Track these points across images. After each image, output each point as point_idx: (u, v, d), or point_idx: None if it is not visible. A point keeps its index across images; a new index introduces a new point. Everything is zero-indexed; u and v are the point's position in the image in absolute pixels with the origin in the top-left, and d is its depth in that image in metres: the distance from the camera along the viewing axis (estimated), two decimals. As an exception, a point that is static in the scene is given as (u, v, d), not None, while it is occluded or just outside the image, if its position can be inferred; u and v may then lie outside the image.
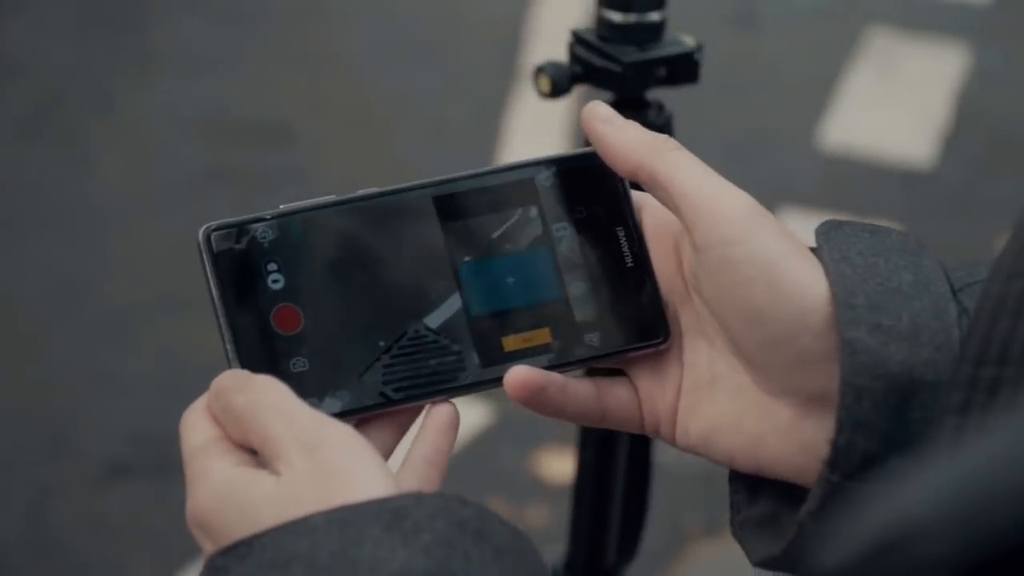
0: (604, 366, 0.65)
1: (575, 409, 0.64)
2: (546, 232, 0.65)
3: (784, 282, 0.59)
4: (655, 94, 1.09)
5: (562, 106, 2.96)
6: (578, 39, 1.09)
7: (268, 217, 0.63)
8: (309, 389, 0.61)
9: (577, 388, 0.64)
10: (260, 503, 0.55)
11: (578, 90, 1.10)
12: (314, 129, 3.11)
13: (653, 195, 0.64)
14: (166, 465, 2.21)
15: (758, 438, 0.61)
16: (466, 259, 0.64)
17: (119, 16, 3.54)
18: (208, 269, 0.61)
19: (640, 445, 1.21)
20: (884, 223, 0.63)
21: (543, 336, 0.64)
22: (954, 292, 0.60)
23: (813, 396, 0.59)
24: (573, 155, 0.66)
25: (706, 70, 1.08)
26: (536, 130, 3.07)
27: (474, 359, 0.63)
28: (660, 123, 1.08)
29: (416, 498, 0.54)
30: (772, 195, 2.77)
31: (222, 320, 0.61)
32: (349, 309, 0.62)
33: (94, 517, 2.15)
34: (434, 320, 0.63)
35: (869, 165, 3.04)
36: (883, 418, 0.57)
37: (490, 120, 3.12)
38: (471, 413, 2.24)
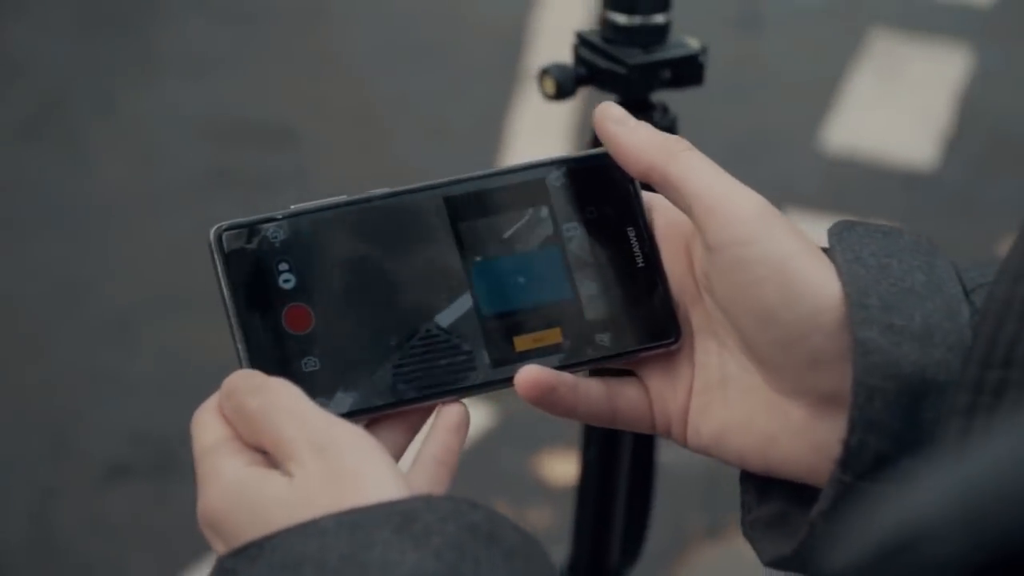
0: (615, 366, 0.65)
1: (586, 409, 0.64)
2: (557, 232, 0.65)
3: (796, 282, 0.59)
4: (660, 96, 1.09)
5: (564, 108, 2.96)
6: (583, 41, 1.08)
7: (279, 217, 0.62)
8: (320, 388, 0.61)
9: (588, 388, 0.64)
10: (271, 504, 0.55)
11: (582, 92, 1.10)
12: (315, 130, 3.10)
13: (665, 195, 0.64)
14: (167, 465, 2.20)
15: (770, 438, 0.61)
16: (477, 259, 0.64)
17: (119, 16, 3.54)
18: (219, 269, 0.61)
19: (644, 445, 1.20)
20: (885, 224, 0.63)
21: (554, 336, 0.64)
22: (967, 293, 0.59)
23: (825, 396, 0.59)
24: (584, 155, 0.66)
25: (710, 72, 1.08)
26: (538, 132, 3.07)
27: (485, 359, 0.63)
28: (665, 125, 1.08)
29: (426, 501, 0.54)
30: (774, 196, 2.74)
31: (233, 320, 0.61)
32: (360, 309, 0.62)
33: (95, 518, 2.15)
34: (445, 319, 0.63)
35: (871, 166, 3.04)
36: (895, 418, 0.57)
37: (492, 121, 3.12)
38: (474, 415, 2.21)
